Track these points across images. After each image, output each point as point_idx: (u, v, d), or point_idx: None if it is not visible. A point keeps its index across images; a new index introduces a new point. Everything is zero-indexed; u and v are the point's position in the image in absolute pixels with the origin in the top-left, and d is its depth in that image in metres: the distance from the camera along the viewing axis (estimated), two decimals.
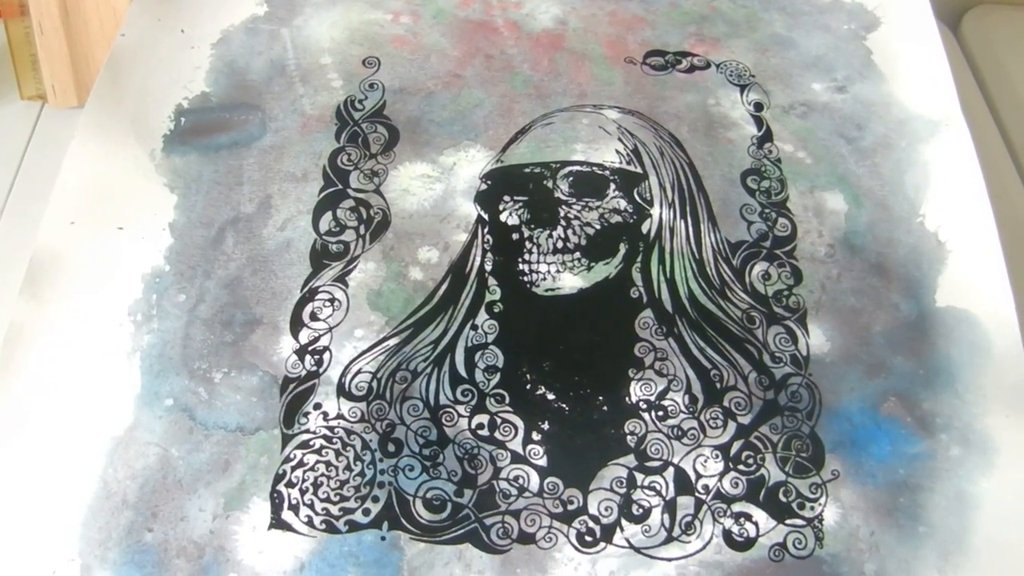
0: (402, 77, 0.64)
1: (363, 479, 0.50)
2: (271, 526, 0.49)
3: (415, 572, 0.48)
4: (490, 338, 0.54)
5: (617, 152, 0.60)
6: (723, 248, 0.57)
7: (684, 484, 0.50)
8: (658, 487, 0.50)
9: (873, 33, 0.68)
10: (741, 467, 0.51)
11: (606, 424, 0.52)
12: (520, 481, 0.50)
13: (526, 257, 0.56)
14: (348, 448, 0.51)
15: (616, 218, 0.58)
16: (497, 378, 0.53)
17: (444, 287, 0.55)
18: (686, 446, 0.51)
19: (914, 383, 0.53)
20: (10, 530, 0.49)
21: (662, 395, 0.52)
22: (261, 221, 0.58)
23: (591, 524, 0.49)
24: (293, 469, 0.50)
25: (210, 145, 0.61)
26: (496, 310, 0.55)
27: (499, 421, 0.52)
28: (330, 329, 0.54)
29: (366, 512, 0.49)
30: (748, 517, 0.49)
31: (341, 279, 0.56)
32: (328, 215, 0.58)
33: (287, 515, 0.49)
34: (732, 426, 0.52)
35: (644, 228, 0.57)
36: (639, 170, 0.59)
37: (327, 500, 0.49)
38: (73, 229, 0.57)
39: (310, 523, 0.49)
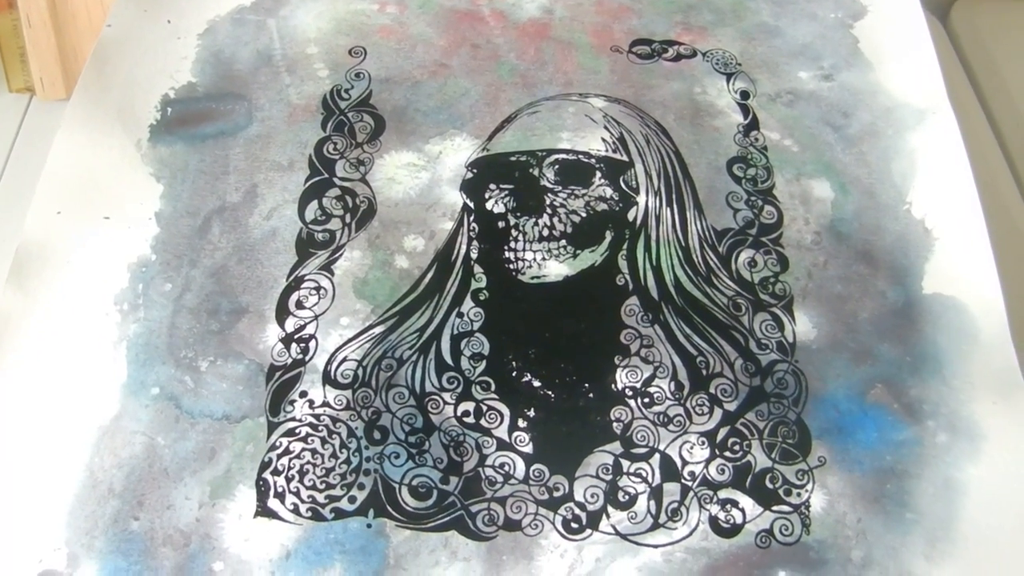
0: (388, 67, 0.64)
1: (349, 467, 0.50)
2: (257, 514, 0.49)
3: (401, 559, 0.48)
4: (476, 326, 0.54)
5: (603, 140, 0.60)
6: (709, 235, 0.57)
7: (670, 471, 0.50)
8: (644, 474, 0.50)
9: (860, 21, 0.68)
10: (727, 454, 0.51)
11: (592, 411, 0.52)
12: (506, 468, 0.50)
13: (512, 245, 0.56)
14: (334, 436, 0.51)
15: (602, 206, 0.58)
16: (483, 365, 0.53)
17: (430, 275, 0.55)
18: (672, 433, 0.51)
19: (901, 370, 0.53)
20: None
21: (648, 382, 0.52)
22: (247, 210, 0.58)
23: (577, 511, 0.49)
24: (279, 457, 0.50)
25: (196, 135, 0.61)
26: (482, 298, 0.55)
27: (485, 408, 0.52)
28: (316, 317, 0.54)
29: (352, 500, 0.49)
30: (734, 504, 0.49)
31: (327, 267, 0.56)
32: (314, 204, 0.58)
33: (273, 503, 0.49)
34: (718, 413, 0.52)
35: (630, 216, 0.57)
36: (625, 158, 0.59)
37: (313, 488, 0.49)
38: (60, 219, 0.57)
39: (296, 511, 0.49)
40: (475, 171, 0.59)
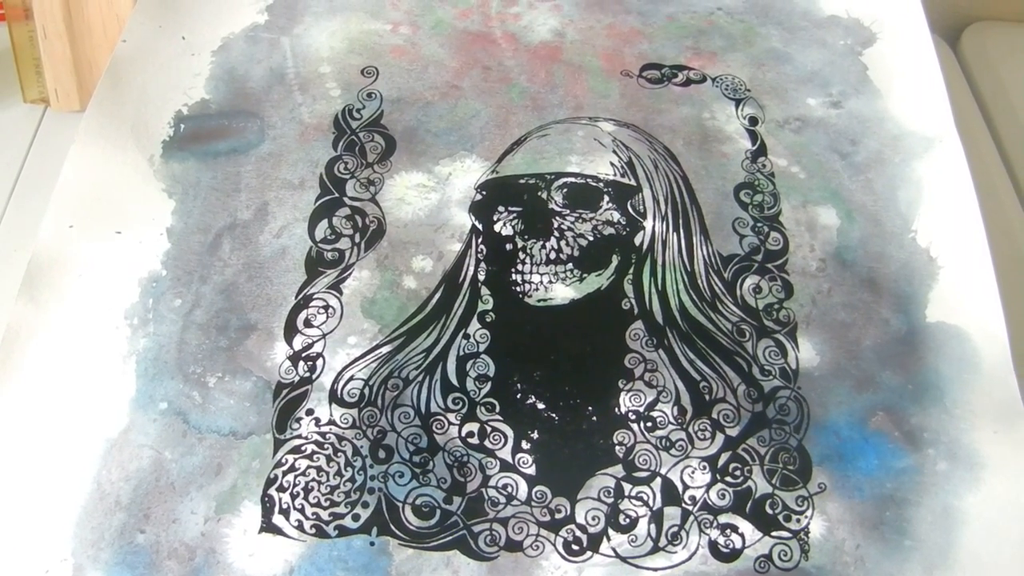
0: (400, 87, 0.65)
1: (353, 485, 0.50)
2: (261, 529, 0.49)
3: None
4: (482, 347, 0.54)
5: (612, 164, 0.60)
6: (715, 261, 0.57)
7: (671, 495, 0.50)
8: (645, 497, 0.50)
9: (869, 49, 0.68)
10: (728, 479, 0.51)
11: (595, 434, 0.52)
12: (509, 489, 0.50)
13: (519, 267, 0.56)
14: (339, 454, 0.51)
15: (609, 230, 0.58)
16: (488, 387, 0.53)
17: (437, 296, 0.56)
18: (674, 457, 0.51)
19: (903, 398, 0.53)
20: (3, 529, 0.49)
21: (651, 406, 0.53)
22: (257, 228, 0.58)
23: (578, 533, 0.49)
24: (284, 474, 0.51)
25: (209, 152, 0.61)
26: (488, 319, 0.55)
27: (489, 430, 0.52)
28: (324, 336, 0.54)
29: (356, 517, 0.49)
30: (734, 528, 0.50)
31: (335, 287, 0.56)
32: (324, 223, 0.58)
33: (278, 519, 0.49)
34: (720, 438, 0.52)
35: (637, 240, 0.58)
36: (633, 182, 0.60)
37: (317, 505, 0.50)
38: (72, 232, 0.57)
39: (300, 527, 0.49)
40: (484, 193, 0.60)
